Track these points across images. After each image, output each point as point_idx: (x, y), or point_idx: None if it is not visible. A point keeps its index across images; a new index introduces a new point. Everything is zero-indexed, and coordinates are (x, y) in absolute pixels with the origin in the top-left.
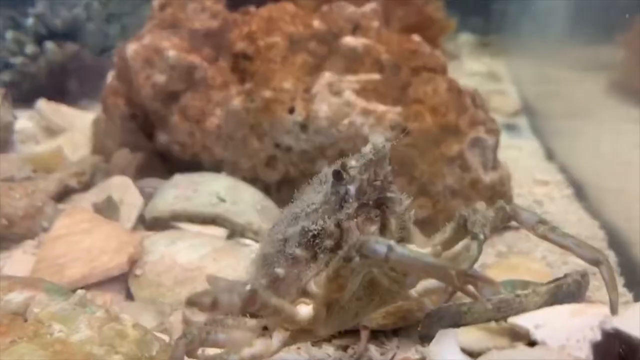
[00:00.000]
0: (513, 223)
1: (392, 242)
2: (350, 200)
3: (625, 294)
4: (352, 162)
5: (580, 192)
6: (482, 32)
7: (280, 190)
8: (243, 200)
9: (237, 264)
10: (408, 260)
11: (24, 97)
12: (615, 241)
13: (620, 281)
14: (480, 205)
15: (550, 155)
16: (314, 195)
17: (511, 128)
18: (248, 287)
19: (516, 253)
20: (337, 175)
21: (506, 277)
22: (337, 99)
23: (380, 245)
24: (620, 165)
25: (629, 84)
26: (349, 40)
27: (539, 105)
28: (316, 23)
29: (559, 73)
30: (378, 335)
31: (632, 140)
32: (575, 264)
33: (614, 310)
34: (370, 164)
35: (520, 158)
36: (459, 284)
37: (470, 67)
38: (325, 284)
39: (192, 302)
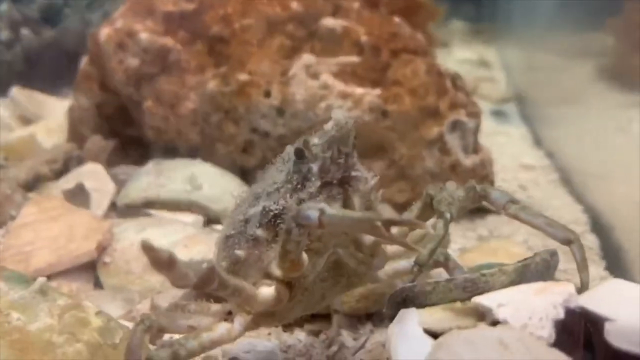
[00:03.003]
0: None
1: (324, 206)
2: (313, 179)
3: (607, 278)
4: (315, 140)
5: (565, 177)
6: (474, 19)
7: (258, 175)
8: (219, 186)
9: (208, 251)
10: (339, 219)
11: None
12: (598, 225)
13: (602, 264)
14: (450, 184)
15: (537, 142)
16: (276, 174)
17: (500, 115)
18: (205, 265)
19: (497, 237)
20: (299, 153)
21: (486, 261)
22: (314, 82)
23: (312, 210)
24: (604, 150)
25: (617, 70)
26: (328, 21)
27: (528, 92)
28: (294, 4)
29: (548, 60)
30: (352, 319)
31: (617, 125)
32: (556, 247)
33: (584, 289)
34: (333, 141)
35: (507, 144)
36: (387, 234)
37: (461, 54)
38: (280, 263)
39: (146, 247)
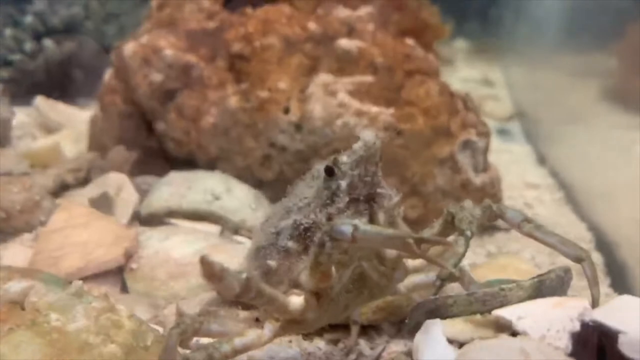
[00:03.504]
0: (503, 224)
1: (357, 222)
2: (341, 195)
3: (611, 294)
4: (344, 158)
5: (570, 196)
6: (477, 37)
7: (274, 188)
8: (237, 198)
9: (230, 260)
10: (371, 235)
11: (21, 94)
12: (603, 243)
13: (606, 282)
14: (468, 203)
15: (541, 160)
16: (306, 189)
17: (504, 133)
18: (244, 275)
19: (505, 253)
20: (329, 171)
21: (495, 277)
22: (332, 100)
23: (346, 225)
24: (608, 169)
25: (620, 92)
26: (344, 42)
27: (532, 111)
28: (312, 25)
29: (552, 79)
30: (368, 330)
31: (620, 145)
32: (563, 264)
33: (595, 305)
34: (361, 160)
35: (512, 162)
36: (418, 251)
37: (465, 73)
38: (310, 274)
39: (204, 261)
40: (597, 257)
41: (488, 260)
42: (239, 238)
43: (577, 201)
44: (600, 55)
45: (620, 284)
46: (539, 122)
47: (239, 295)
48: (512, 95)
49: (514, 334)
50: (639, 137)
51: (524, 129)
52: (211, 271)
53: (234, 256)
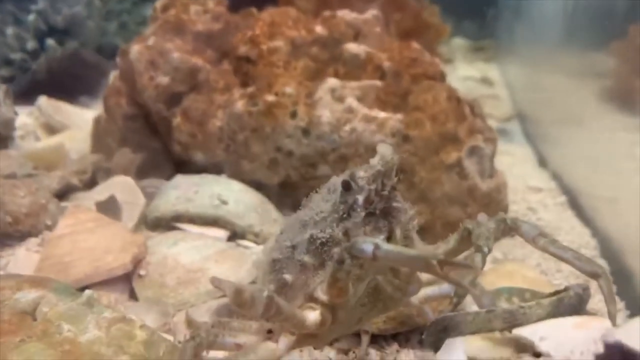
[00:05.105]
0: None
1: (378, 241)
2: (358, 210)
3: (617, 303)
4: (361, 173)
5: (573, 200)
6: (475, 36)
7: (281, 193)
8: (244, 202)
9: (238, 267)
10: (393, 255)
11: (23, 93)
12: (608, 250)
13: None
14: (482, 217)
15: (542, 162)
16: (322, 203)
17: (504, 133)
18: (265, 294)
19: (511, 260)
20: (346, 185)
21: (503, 284)
22: (340, 105)
23: (367, 244)
24: (612, 173)
25: (622, 92)
26: (352, 46)
27: (532, 111)
28: (318, 28)
29: (552, 79)
30: (378, 339)
31: (624, 148)
32: (569, 272)
33: (613, 322)
34: (378, 174)
35: (513, 164)
36: (441, 272)
37: (464, 72)
38: (327, 290)
39: (236, 291)
40: (603, 265)
41: (494, 266)
42: (245, 243)
43: (581, 206)
44: (601, 56)
45: (626, 293)
46: (538, 123)
47: (261, 316)
48: (511, 95)
49: (536, 354)
50: (638, 138)
51: (523, 129)
52: (242, 300)
53: (241, 262)
